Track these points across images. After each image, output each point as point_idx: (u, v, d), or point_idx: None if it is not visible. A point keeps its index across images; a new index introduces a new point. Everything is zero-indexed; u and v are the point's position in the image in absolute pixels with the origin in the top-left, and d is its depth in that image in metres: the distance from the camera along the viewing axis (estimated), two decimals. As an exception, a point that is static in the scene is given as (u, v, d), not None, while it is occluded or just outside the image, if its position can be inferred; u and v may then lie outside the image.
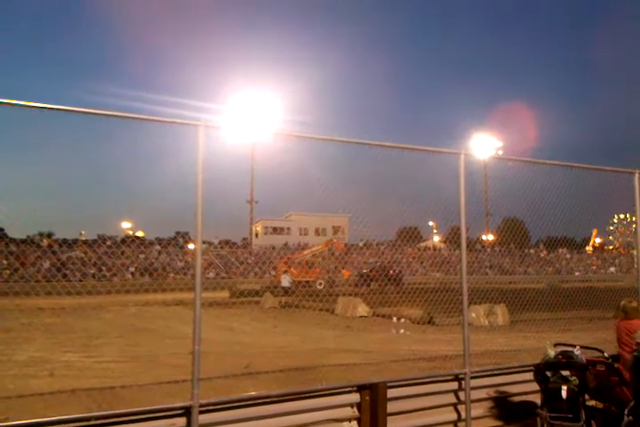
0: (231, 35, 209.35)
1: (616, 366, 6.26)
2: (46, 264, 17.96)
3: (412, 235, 9.00)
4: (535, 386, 6.12)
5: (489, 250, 41.30)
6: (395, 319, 17.10)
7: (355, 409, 6.09)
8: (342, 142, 6.36)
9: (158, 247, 29.89)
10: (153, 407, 5.04)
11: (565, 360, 5.77)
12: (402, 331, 15.72)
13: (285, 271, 28.09)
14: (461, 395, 6.69)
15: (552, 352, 5.92)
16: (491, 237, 38.69)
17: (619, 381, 6.19)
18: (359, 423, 6.07)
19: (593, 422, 5.64)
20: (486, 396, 7.00)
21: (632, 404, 6.12)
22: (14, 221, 5.40)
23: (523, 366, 7.24)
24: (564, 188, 8.16)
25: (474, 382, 6.69)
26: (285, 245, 46.18)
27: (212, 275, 31.57)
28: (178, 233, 29.88)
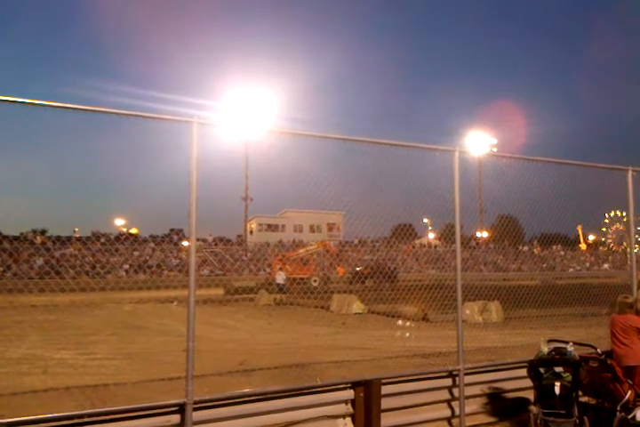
0: (226, 31, 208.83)
1: (609, 362, 6.28)
2: (40, 261, 17.90)
3: (406, 232, 9.01)
4: (529, 382, 6.14)
5: (483, 247, 41.44)
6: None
7: (349, 406, 6.11)
8: (337, 139, 6.36)
9: (152, 244, 29.83)
10: (147, 405, 5.04)
11: (559, 357, 5.79)
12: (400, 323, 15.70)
13: (280, 268, 28.08)
14: (455, 391, 6.72)
15: (545, 349, 5.95)
16: (485, 235, 38.80)
17: (611, 377, 6.21)
18: (353, 420, 6.08)
19: (586, 418, 5.66)
20: (480, 392, 7.03)
21: (624, 400, 6.16)
22: (8, 218, 5.38)
23: (516, 363, 7.27)
24: (557, 185, 8.18)
25: (468, 379, 6.71)
26: (280, 242, 46.17)
27: (206, 272, 31.55)
28: (172, 230, 29.81)
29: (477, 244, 40.49)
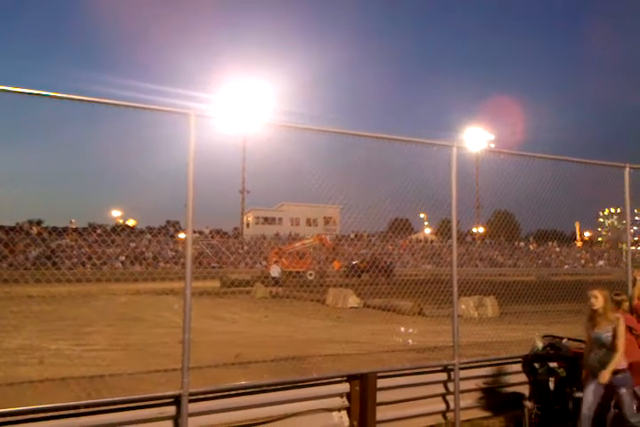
0: (224, 23, 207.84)
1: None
2: (35, 252, 17.86)
3: (403, 227, 9.00)
4: (523, 377, 6.18)
5: (479, 242, 41.52)
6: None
7: (344, 399, 6.13)
8: (335, 133, 6.34)
9: (149, 236, 29.79)
10: (143, 396, 5.04)
11: (553, 352, 5.83)
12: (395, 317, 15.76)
13: (275, 262, 28.07)
14: (450, 386, 6.74)
15: (540, 344, 5.98)
16: (481, 230, 38.88)
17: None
18: (349, 413, 6.11)
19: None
20: (475, 387, 7.05)
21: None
22: (3, 208, 5.36)
23: (511, 358, 7.29)
24: (554, 181, 8.18)
25: (463, 373, 6.73)
26: (277, 235, 46.14)
27: (203, 264, 31.52)
28: (169, 222, 29.74)
29: (473, 239, 40.60)
